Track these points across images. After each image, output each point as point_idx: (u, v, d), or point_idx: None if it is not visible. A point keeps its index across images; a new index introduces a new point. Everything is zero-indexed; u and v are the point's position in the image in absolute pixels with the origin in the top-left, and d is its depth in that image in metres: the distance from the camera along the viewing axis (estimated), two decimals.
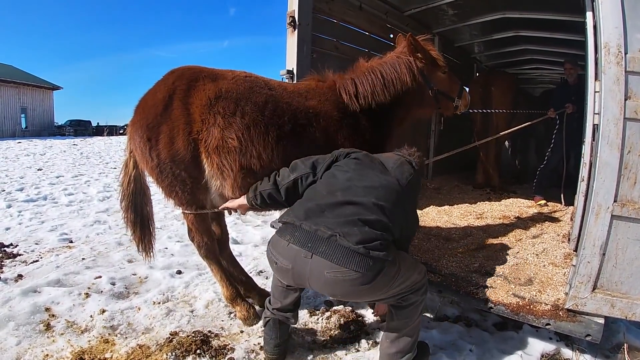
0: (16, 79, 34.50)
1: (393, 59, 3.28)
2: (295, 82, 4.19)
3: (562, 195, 5.95)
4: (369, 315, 3.43)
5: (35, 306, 3.30)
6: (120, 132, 43.30)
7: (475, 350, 2.98)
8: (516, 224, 4.95)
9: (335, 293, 2.34)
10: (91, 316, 3.25)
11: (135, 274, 4.14)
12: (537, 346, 3.06)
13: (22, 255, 4.67)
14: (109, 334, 3.04)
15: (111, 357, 2.78)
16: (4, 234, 5.47)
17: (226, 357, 2.80)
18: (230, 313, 3.40)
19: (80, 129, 40.56)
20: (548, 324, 2.88)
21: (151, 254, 3.37)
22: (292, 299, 2.77)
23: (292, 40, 4.28)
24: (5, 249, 4.86)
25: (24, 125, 35.73)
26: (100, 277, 3.96)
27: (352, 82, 3.18)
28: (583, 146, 3.56)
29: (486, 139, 6.12)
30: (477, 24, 6.91)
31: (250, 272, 4.23)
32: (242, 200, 2.86)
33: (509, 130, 5.49)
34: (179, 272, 4.21)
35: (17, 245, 5.01)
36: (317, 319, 3.32)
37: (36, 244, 5.12)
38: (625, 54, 2.54)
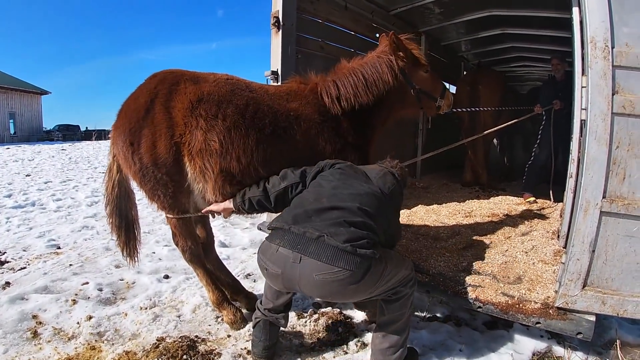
0: (4, 84, 34.01)
1: (374, 59, 3.26)
2: (279, 83, 4.18)
3: (551, 192, 5.94)
4: (357, 316, 3.41)
5: (22, 314, 3.28)
6: (109, 136, 42.84)
7: (465, 350, 2.97)
8: (505, 221, 4.92)
9: (325, 294, 2.38)
10: (78, 323, 3.23)
11: (122, 279, 4.11)
12: (528, 344, 3.05)
13: (10, 262, 4.62)
14: (95, 340, 3.03)
15: None
16: None
17: None
18: (218, 317, 3.37)
19: (69, 133, 40.26)
20: (538, 323, 2.85)
21: (136, 259, 3.34)
22: (284, 300, 2.80)
23: (276, 40, 4.27)
24: None
25: (12, 131, 35.23)
26: (87, 283, 3.93)
27: (334, 84, 3.16)
28: (571, 142, 3.54)
29: (474, 136, 6.12)
30: (463, 22, 6.93)
31: (238, 275, 4.22)
32: (227, 204, 2.87)
33: (496, 128, 5.46)
34: (167, 277, 4.18)
35: (4, 253, 4.95)
36: (305, 322, 3.31)
37: (24, 250, 5.06)
38: (612, 48, 2.52)
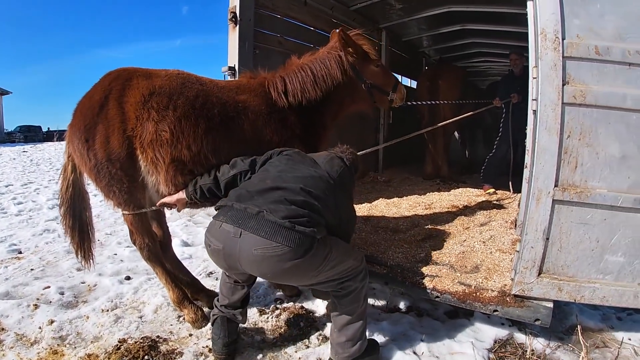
0: None
1: (324, 55, 3.34)
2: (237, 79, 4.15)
3: (510, 183, 6.08)
4: (318, 310, 3.41)
5: None
6: (64, 135, 41.90)
7: (427, 339, 2.99)
8: (464, 213, 5.00)
9: (265, 272, 2.36)
10: (40, 327, 3.16)
11: (84, 282, 4.01)
12: (489, 332, 3.10)
13: None
14: (58, 344, 2.97)
15: None
16: None
17: None
18: (179, 317, 3.33)
19: (31, 134, 39.09)
20: (496, 311, 2.91)
21: (91, 261, 3.29)
22: (239, 295, 2.81)
23: (233, 36, 4.25)
24: None
25: None
26: (49, 287, 3.83)
27: (281, 80, 3.22)
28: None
29: (433, 127, 6.17)
30: (424, 18, 7.01)
31: (200, 274, 4.19)
32: (180, 195, 2.88)
33: (454, 119, 5.54)
34: (128, 278, 4.11)
35: None
36: (267, 318, 3.30)
37: None
38: (563, 39, 2.58)
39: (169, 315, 3.37)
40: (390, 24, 7.39)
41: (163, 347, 2.90)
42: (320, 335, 3.07)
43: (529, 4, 2.82)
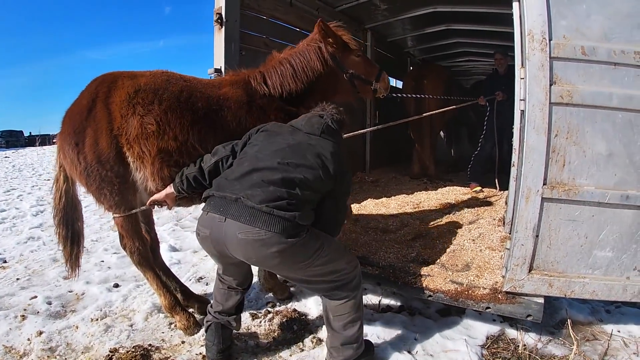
0: None
1: (303, 47, 3.38)
2: None
3: (496, 181, 6.13)
4: (311, 313, 3.42)
5: None
6: (54, 141, 41.48)
7: (420, 338, 3.01)
8: (453, 211, 5.03)
9: (250, 256, 2.35)
10: (29, 339, 3.08)
11: (71, 291, 3.93)
12: (481, 329, 3.14)
13: None
14: (47, 356, 2.91)
15: None
16: None
17: None
18: (171, 324, 3.29)
19: (12, 139, 38.69)
20: (488, 308, 2.95)
21: (77, 271, 3.30)
22: (234, 301, 2.80)
23: (219, 37, 4.22)
24: None
25: None
26: (36, 297, 3.74)
27: (260, 74, 3.27)
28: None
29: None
30: (409, 18, 7.03)
31: (190, 279, 4.16)
32: (168, 189, 2.86)
33: (439, 110, 5.59)
34: (117, 286, 4.04)
35: None
36: (260, 322, 3.28)
37: None
38: (550, 40, 2.63)
39: (160, 323, 3.33)
40: (376, 24, 7.42)
41: (155, 356, 2.87)
42: (314, 338, 3.06)
43: (515, 5, 2.86)
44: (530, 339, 3.02)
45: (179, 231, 6.01)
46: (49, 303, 3.64)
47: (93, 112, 2.87)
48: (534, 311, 2.86)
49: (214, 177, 2.69)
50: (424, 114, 5.40)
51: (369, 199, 5.79)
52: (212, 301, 2.91)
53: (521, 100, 2.78)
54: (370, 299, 3.65)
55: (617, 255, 2.83)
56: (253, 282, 3.04)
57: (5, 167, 17.13)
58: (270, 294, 3.70)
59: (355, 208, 5.37)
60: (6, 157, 22.96)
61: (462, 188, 6.42)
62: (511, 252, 2.88)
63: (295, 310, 3.43)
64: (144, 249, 3.15)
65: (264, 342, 3.05)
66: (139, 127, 2.81)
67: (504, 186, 5.40)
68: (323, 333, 3.04)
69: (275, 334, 3.15)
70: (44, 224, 6.63)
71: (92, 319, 3.36)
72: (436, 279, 3.24)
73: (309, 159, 2.47)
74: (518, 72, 2.82)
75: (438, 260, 3.57)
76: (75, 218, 3.22)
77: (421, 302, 3.56)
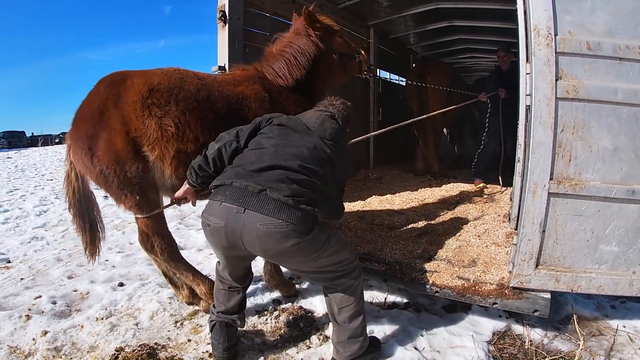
0: None
1: (294, 36, 3.51)
2: None
3: (500, 177, 6.12)
4: (317, 310, 3.41)
5: None
6: (56, 141, 41.71)
7: (427, 334, 3.01)
8: (457, 207, 5.05)
9: (268, 248, 2.32)
10: (34, 339, 3.07)
11: (76, 290, 3.92)
12: (487, 325, 3.13)
13: None
14: (53, 356, 2.88)
15: None
16: None
17: None
18: (177, 322, 3.29)
19: (15, 140, 38.78)
20: (495, 303, 2.95)
21: (96, 257, 3.32)
22: (235, 301, 2.80)
23: (223, 35, 4.24)
24: None
25: None
26: (40, 296, 3.73)
27: (271, 68, 3.38)
28: (518, 128, 3.67)
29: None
30: (411, 15, 7.00)
31: None
32: (185, 185, 2.84)
33: (439, 111, 5.59)
34: (121, 285, 4.03)
35: None
36: (266, 320, 3.29)
37: None
38: (555, 35, 2.64)
39: (166, 321, 3.33)
40: (378, 21, 7.41)
41: (162, 354, 2.86)
42: (320, 335, 3.07)
43: (519, 1, 2.87)
44: (536, 334, 3.02)
45: (183, 229, 5.99)
46: (54, 302, 3.64)
47: (106, 116, 2.84)
48: (540, 306, 2.86)
49: (218, 164, 2.67)
50: (427, 115, 5.39)
51: (373, 196, 5.81)
52: (214, 301, 2.92)
53: (527, 95, 2.79)
54: (376, 296, 3.65)
55: (623, 250, 2.83)
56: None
57: (8, 168, 17.13)
58: (276, 292, 3.70)
59: (360, 205, 5.39)
60: (9, 157, 23.00)
61: (466, 184, 6.42)
62: (518, 247, 2.89)
63: (301, 307, 3.44)
64: (173, 245, 3.19)
65: (270, 340, 3.05)
66: (158, 129, 2.82)
67: (508, 182, 5.41)
68: (329, 330, 3.05)
69: (282, 331, 3.15)
70: (48, 224, 6.65)
71: (97, 318, 3.36)
72: (443, 275, 3.25)
73: (326, 170, 2.54)
74: (523, 68, 2.82)
75: (444, 257, 3.58)
76: (90, 208, 3.23)
77: (427, 298, 3.57)
